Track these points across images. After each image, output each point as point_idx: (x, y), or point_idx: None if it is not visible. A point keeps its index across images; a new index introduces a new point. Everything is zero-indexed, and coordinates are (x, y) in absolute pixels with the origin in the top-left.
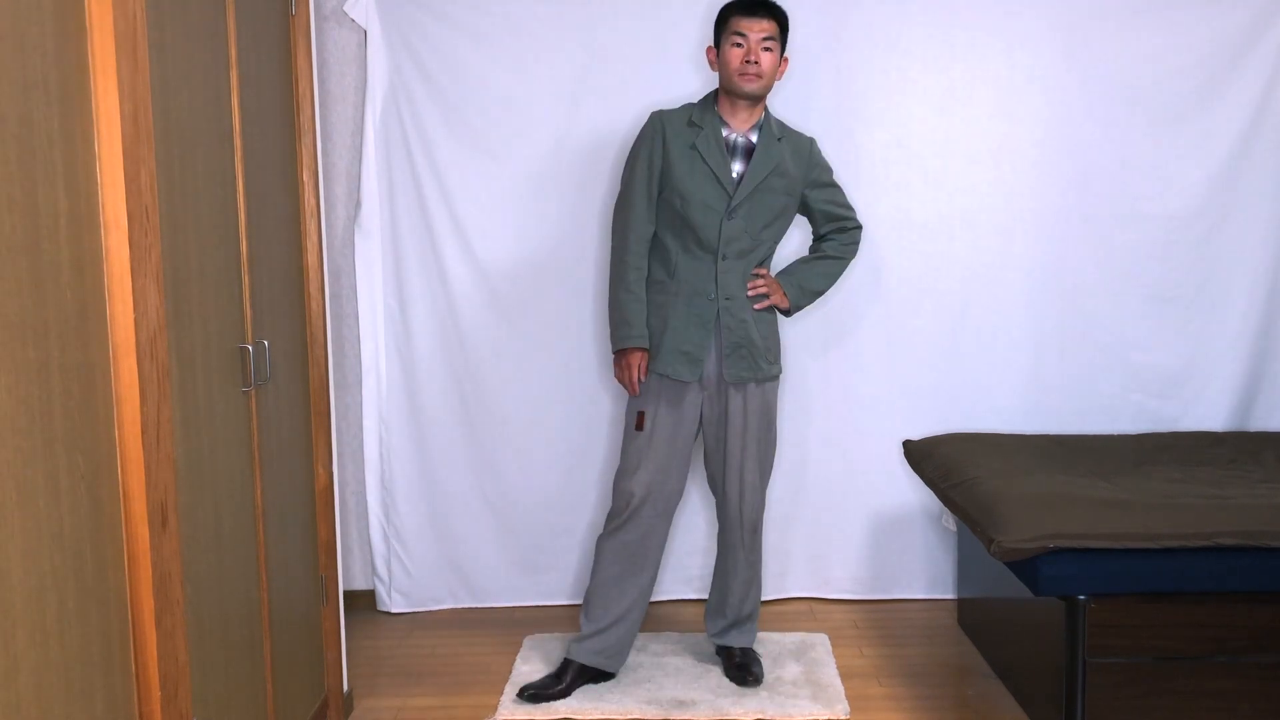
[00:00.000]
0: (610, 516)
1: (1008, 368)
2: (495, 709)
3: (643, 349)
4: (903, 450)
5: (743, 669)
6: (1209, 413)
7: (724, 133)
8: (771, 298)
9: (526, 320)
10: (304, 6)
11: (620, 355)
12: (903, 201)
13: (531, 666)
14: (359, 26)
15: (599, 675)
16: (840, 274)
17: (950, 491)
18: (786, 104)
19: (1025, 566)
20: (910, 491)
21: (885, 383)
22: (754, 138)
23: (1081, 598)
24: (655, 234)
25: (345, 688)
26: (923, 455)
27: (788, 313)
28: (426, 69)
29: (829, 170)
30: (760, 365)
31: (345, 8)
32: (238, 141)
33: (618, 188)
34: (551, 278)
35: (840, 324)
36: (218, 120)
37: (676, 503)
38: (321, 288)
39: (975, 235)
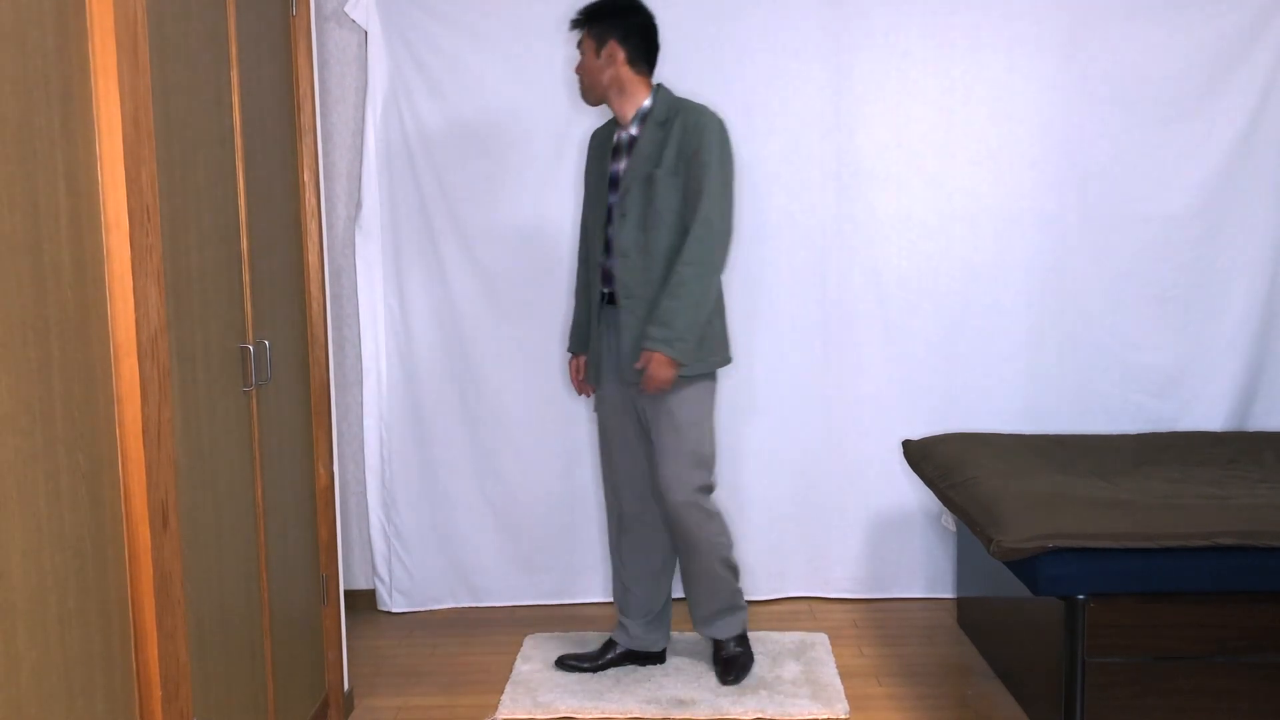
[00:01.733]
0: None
1: (1007, 368)
2: (495, 709)
3: (577, 353)
4: (902, 450)
5: (726, 665)
6: (1208, 413)
7: (615, 135)
8: (652, 370)
9: (526, 320)
10: (304, 7)
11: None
12: (903, 201)
13: (532, 666)
14: (359, 27)
15: (643, 657)
16: (693, 288)
17: (950, 491)
18: (786, 104)
19: (1025, 566)
20: (910, 491)
21: (885, 383)
22: (634, 130)
23: (1081, 597)
24: None
25: (346, 687)
26: (922, 455)
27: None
28: (426, 69)
29: (705, 147)
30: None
31: (346, 8)
32: (238, 142)
33: None
34: (551, 278)
35: (839, 323)
36: (218, 120)
37: (645, 486)
38: (322, 288)
39: (975, 235)
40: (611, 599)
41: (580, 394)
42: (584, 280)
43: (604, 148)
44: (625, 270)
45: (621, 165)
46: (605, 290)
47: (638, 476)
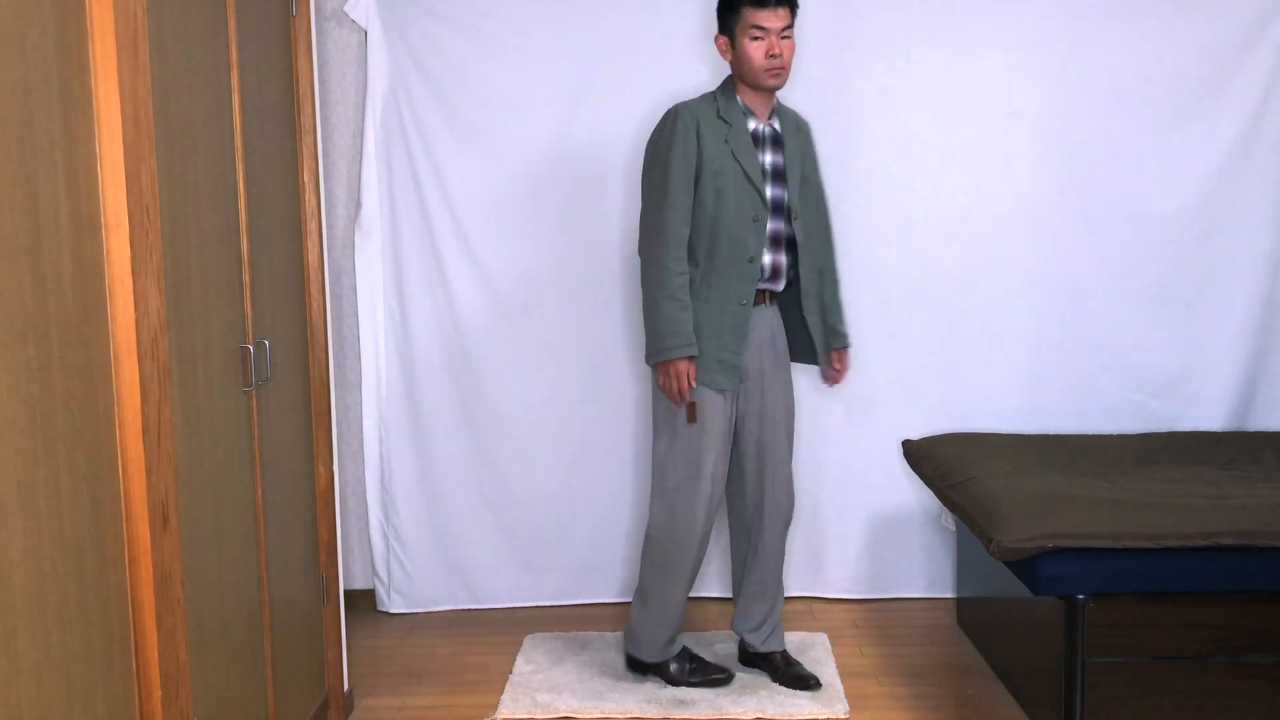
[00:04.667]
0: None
1: (1007, 367)
2: (495, 709)
3: (692, 357)
4: (902, 450)
5: (802, 676)
6: (1208, 412)
7: (750, 125)
8: (849, 366)
9: (526, 320)
10: (304, 7)
11: (667, 365)
12: (903, 201)
13: (533, 666)
14: (359, 27)
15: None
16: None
17: (949, 491)
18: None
19: (1024, 566)
20: (909, 491)
21: (885, 383)
22: (777, 126)
23: (1081, 597)
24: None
25: (346, 687)
26: (922, 455)
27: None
28: (426, 69)
29: (817, 154)
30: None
31: (345, 8)
32: (238, 142)
33: (618, 187)
34: (551, 277)
35: None
36: (218, 121)
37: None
38: (322, 288)
39: (975, 235)
40: (613, 600)
41: (681, 403)
42: (686, 274)
43: (724, 133)
44: (806, 270)
45: (770, 158)
46: (760, 288)
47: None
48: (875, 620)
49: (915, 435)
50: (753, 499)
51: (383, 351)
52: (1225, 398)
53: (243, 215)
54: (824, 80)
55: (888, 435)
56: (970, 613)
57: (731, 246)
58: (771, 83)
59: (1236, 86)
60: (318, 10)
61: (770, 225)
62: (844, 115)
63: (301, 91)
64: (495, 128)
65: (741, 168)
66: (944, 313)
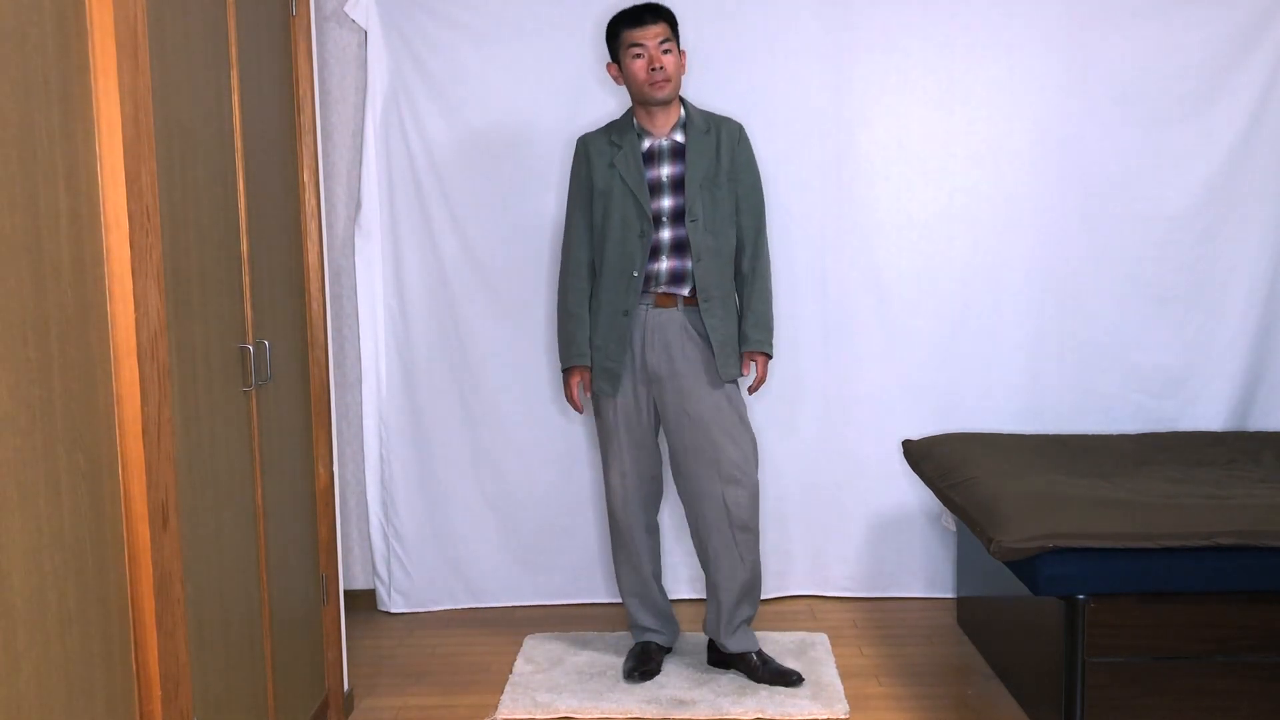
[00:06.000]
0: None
1: (1007, 367)
2: (495, 709)
3: (582, 366)
4: (902, 450)
5: (783, 672)
6: (1208, 412)
7: (646, 143)
8: (763, 371)
9: (526, 320)
10: (304, 7)
11: (564, 374)
12: (903, 201)
13: (533, 666)
14: (359, 27)
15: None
16: (770, 288)
17: (950, 491)
18: (786, 104)
19: (1025, 566)
20: (910, 491)
21: (885, 382)
22: (679, 138)
23: (1081, 597)
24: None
25: (346, 687)
26: (922, 455)
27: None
28: (426, 69)
29: (751, 155)
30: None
31: (346, 8)
32: (238, 142)
33: None
34: (551, 277)
35: (839, 323)
36: (218, 120)
37: (658, 492)
38: (322, 288)
39: (975, 235)
40: (613, 600)
41: (579, 410)
42: (583, 290)
43: (611, 156)
44: (704, 273)
45: (670, 170)
46: (663, 292)
47: (650, 481)
48: (875, 620)
49: (915, 435)
50: (686, 498)
51: (383, 351)
52: (1225, 398)
53: (243, 215)
54: (824, 80)
55: (888, 435)
56: (970, 613)
57: (619, 261)
58: (657, 95)
59: (1236, 86)
60: (318, 10)
61: (671, 234)
62: (844, 115)
63: (301, 91)
64: (495, 127)
65: (628, 186)
66: (944, 313)
